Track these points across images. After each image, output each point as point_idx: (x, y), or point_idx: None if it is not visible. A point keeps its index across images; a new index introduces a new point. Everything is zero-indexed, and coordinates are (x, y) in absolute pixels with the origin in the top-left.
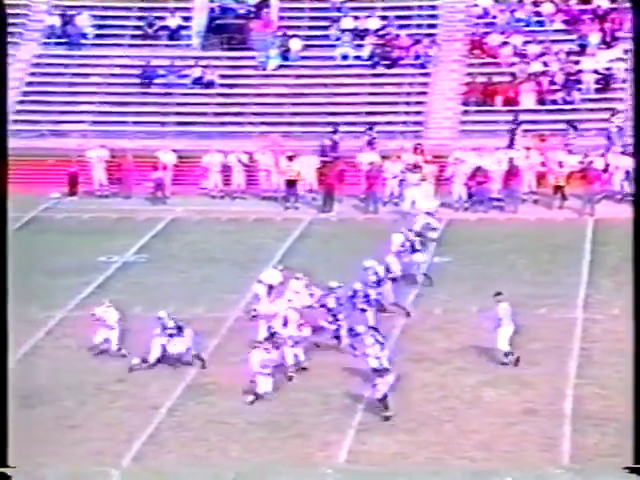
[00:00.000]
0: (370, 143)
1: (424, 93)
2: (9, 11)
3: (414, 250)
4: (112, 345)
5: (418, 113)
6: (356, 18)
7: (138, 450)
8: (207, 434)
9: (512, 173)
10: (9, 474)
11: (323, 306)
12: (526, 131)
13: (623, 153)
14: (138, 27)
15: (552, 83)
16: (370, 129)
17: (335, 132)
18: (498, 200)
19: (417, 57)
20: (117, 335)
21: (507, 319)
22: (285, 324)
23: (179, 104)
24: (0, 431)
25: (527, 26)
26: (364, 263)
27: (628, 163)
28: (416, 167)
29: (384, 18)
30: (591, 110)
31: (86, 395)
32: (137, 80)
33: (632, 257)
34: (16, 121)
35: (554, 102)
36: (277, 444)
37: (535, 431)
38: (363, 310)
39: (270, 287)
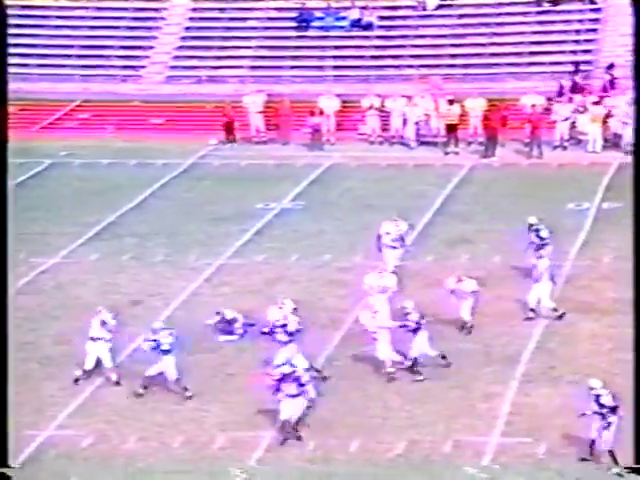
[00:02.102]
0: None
1: (594, 30)
2: None
3: None
4: (106, 363)
5: (587, 52)
6: None
7: None
8: (364, 384)
9: None
10: (9, 474)
11: None
12: None
13: None
14: None
15: None
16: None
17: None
18: None
19: None
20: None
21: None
22: None
23: (337, 47)
24: (0, 431)
25: None
26: (529, 220)
27: None
28: (585, 109)
29: None
30: None
31: (245, 343)
32: (294, 23)
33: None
34: (174, 67)
35: None
36: (438, 395)
37: None
38: None
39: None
